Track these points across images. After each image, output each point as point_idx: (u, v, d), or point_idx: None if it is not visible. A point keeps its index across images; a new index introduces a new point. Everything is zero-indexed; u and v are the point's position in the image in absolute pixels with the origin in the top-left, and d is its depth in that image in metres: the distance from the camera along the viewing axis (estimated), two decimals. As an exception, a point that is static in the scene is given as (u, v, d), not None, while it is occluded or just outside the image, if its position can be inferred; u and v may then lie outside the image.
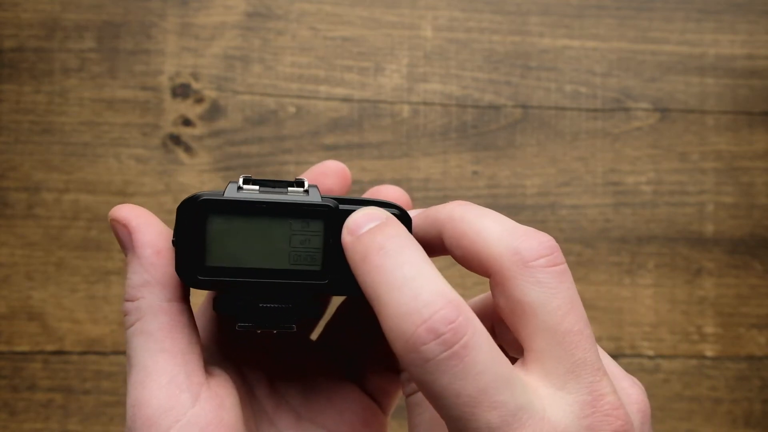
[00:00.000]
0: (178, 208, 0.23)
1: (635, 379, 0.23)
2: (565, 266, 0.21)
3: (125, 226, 0.24)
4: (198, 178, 0.54)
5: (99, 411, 0.53)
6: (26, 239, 0.53)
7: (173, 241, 0.24)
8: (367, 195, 0.29)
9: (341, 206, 0.23)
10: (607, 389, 0.20)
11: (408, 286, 0.20)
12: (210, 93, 0.54)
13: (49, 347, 0.53)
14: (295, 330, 0.24)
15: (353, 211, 0.23)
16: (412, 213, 0.24)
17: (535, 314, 0.21)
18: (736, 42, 0.57)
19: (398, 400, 0.30)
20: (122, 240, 0.24)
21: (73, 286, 0.53)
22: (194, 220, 0.22)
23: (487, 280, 0.22)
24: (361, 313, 0.30)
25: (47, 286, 0.53)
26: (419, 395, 0.24)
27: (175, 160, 0.54)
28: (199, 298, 0.27)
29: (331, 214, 0.23)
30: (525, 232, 0.22)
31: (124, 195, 0.53)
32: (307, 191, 0.23)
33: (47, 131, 0.54)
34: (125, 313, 0.24)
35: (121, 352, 0.53)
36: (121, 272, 0.53)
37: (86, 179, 0.53)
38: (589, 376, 0.20)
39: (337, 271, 0.23)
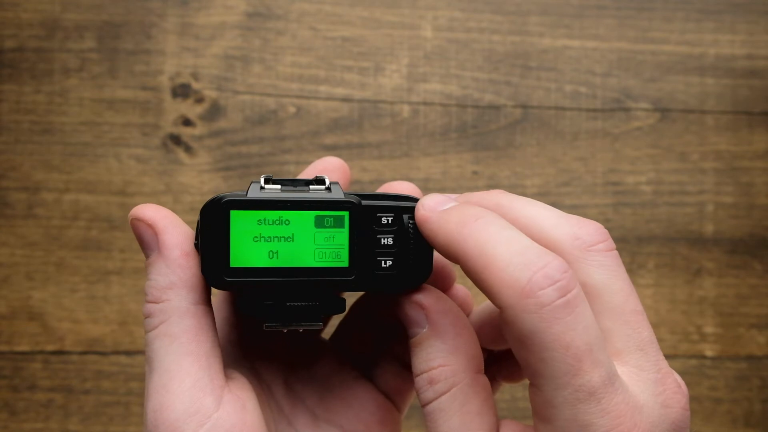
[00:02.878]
0: (202, 210, 0.23)
1: None
2: (617, 252, 0.22)
3: (151, 226, 0.24)
4: (198, 178, 0.54)
5: (99, 411, 0.53)
6: (26, 239, 0.53)
7: (195, 244, 0.24)
8: (381, 190, 0.29)
9: (364, 202, 0.24)
10: (669, 368, 0.21)
11: (517, 241, 0.21)
12: (210, 93, 0.54)
13: (49, 347, 0.53)
14: (321, 327, 0.24)
15: (377, 206, 0.24)
16: (437, 197, 0.25)
17: (601, 295, 0.21)
18: (736, 42, 0.57)
19: (413, 398, 0.30)
20: (146, 241, 0.24)
21: (73, 286, 0.53)
22: (219, 222, 0.22)
23: None
24: (374, 312, 0.30)
25: (47, 286, 0.53)
26: (442, 400, 0.23)
27: (175, 160, 0.54)
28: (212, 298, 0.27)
29: (356, 210, 0.23)
30: (578, 219, 0.23)
31: (124, 195, 0.53)
32: (329, 188, 0.24)
33: (47, 131, 0.54)
34: (147, 315, 0.23)
35: (121, 352, 0.53)
36: (122, 272, 0.53)
37: (86, 179, 0.53)
38: (655, 354, 0.21)
39: (362, 266, 0.23)
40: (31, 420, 0.52)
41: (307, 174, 0.29)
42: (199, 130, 0.54)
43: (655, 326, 0.56)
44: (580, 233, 0.22)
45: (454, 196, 0.24)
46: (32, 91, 0.54)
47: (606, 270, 0.22)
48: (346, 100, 0.55)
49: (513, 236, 0.21)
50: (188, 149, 0.54)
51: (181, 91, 0.54)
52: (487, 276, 0.21)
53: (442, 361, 0.23)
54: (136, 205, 0.53)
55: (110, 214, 0.53)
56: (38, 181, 0.53)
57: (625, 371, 0.21)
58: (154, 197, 0.54)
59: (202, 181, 0.54)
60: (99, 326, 0.53)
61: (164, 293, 0.23)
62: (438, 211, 0.23)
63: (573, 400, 0.19)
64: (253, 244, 0.23)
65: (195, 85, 0.54)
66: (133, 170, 0.54)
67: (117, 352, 0.53)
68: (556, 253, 0.22)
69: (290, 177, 0.30)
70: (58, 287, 0.53)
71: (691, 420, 0.22)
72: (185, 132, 0.54)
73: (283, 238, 0.23)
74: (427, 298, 0.24)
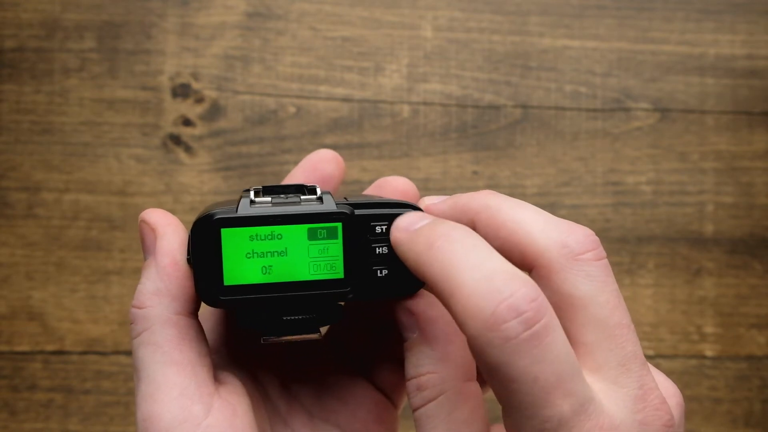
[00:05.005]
0: (193, 228, 0.22)
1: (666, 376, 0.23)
2: (607, 260, 0.21)
3: (153, 230, 0.24)
4: (198, 178, 0.54)
5: (99, 411, 0.53)
6: (26, 239, 0.53)
7: (188, 260, 0.23)
8: (375, 186, 0.29)
9: (357, 211, 0.23)
10: (654, 383, 0.21)
11: (484, 266, 0.20)
12: (210, 93, 0.54)
13: (49, 347, 0.53)
14: (321, 337, 0.24)
15: (370, 215, 0.23)
16: (434, 199, 0.25)
17: (586, 307, 0.21)
18: (736, 42, 0.57)
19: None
20: (146, 243, 0.24)
21: (73, 286, 0.53)
22: (210, 240, 0.22)
23: None
24: (370, 309, 0.30)
25: (47, 286, 0.53)
26: (429, 407, 0.23)
27: (175, 160, 0.54)
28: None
29: (349, 221, 0.23)
30: (568, 225, 0.22)
31: (124, 195, 0.53)
32: (320, 198, 0.23)
33: (47, 131, 0.54)
34: (132, 321, 0.23)
35: (121, 352, 0.53)
36: (122, 272, 0.53)
37: (86, 179, 0.53)
38: (638, 369, 0.21)
39: (358, 276, 0.23)
40: (31, 420, 0.52)
41: (303, 167, 0.29)
42: (199, 130, 0.54)
43: (655, 326, 0.56)
44: (568, 241, 0.21)
45: (443, 197, 0.24)
46: (32, 91, 0.54)
47: (592, 281, 0.21)
48: (346, 100, 0.55)
49: (481, 258, 0.20)
50: (188, 149, 0.54)
51: (181, 91, 0.54)
52: (453, 304, 0.20)
53: (431, 368, 0.23)
54: (136, 205, 0.53)
55: (110, 214, 0.53)
56: (38, 181, 0.53)
57: (602, 388, 0.20)
58: (154, 197, 0.54)
59: (202, 181, 0.54)
60: (99, 326, 0.53)
61: (149, 299, 0.23)
62: (410, 232, 0.22)
63: (541, 430, 0.19)
64: (246, 261, 0.22)
65: (195, 85, 0.54)
66: (133, 170, 0.54)
67: (117, 352, 0.53)
68: (543, 261, 0.21)
69: (289, 174, 0.30)
70: (58, 287, 0.53)
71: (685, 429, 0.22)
72: (185, 132, 0.54)
73: (276, 253, 0.22)
74: (419, 305, 0.24)
